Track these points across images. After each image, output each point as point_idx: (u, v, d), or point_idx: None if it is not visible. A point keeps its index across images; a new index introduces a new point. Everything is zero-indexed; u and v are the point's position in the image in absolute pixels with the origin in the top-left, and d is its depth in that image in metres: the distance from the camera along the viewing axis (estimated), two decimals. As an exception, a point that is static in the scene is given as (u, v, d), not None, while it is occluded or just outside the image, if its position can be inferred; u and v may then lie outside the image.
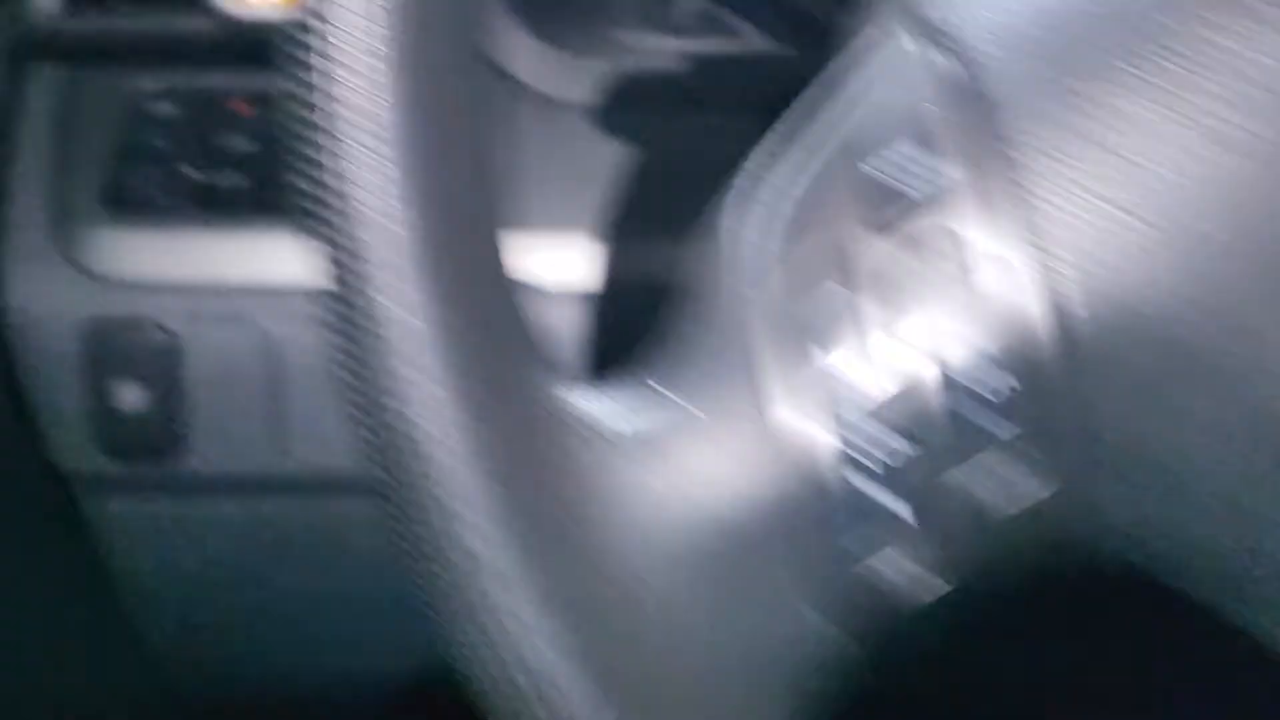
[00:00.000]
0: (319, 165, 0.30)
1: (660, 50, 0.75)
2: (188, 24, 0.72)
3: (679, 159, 0.69)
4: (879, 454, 0.30)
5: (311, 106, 0.30)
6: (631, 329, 0.44)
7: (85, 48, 0.72)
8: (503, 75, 0.71)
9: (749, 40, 0.75)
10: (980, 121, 0.31)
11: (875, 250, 0.31)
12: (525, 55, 0.71)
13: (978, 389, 0.30)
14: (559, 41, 0.74)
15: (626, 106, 0.71)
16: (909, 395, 0.30)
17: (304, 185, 0.30)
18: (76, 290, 0.67)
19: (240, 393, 0.67)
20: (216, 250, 0.67)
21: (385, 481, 0.29)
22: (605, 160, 0.69)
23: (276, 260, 0.67)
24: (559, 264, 0.66)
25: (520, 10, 0.72)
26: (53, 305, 0.67)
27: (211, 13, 0.69)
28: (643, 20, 0.77)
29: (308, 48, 0.29)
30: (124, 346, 0.67)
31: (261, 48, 0.72)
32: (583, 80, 0.71)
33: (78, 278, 0.67)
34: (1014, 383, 0.30)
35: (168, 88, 0.72)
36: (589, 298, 0.66)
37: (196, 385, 0.67)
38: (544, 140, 0.69)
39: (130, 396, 0.67)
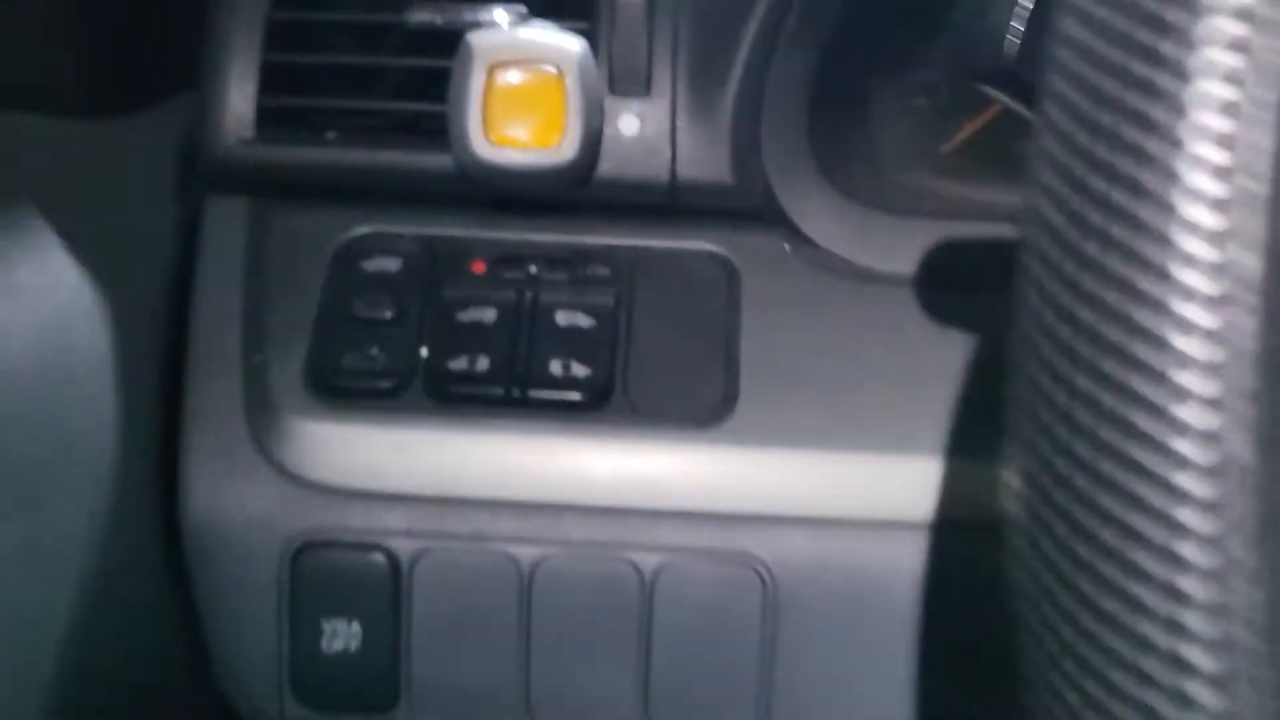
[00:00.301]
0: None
1: (942, 194, 0.62)
2: (416, 161, 0.59)
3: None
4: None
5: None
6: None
7: (283, 181, 0.59)
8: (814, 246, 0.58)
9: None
10: None
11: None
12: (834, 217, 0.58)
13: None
14: (850, 192, 0.61)
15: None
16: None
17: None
18: (275, 498, 0.53)
19: (476, 637, 0.53)
20: (453, 452, 0.54)
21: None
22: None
23: (538, 470, 0.53)
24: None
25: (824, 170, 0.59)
26: (244, 516, 0.53)
27: (450, 150, 0.56)
28: (916, 159, 0.64)
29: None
30: (333, 572, 0.53)
31: (506, 196, 0.59)
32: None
33: (277, 481, 0.53)
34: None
35: (389, 235, 0.59)
36: None
37: (421, 625, 0.53)
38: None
39: (338, 635, 0.53)
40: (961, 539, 0.53)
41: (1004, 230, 0.60)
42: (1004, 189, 0.63)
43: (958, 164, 0.64)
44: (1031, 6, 0.36)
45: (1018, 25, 0.36)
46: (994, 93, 0.40)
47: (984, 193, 0.62)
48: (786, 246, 0.59)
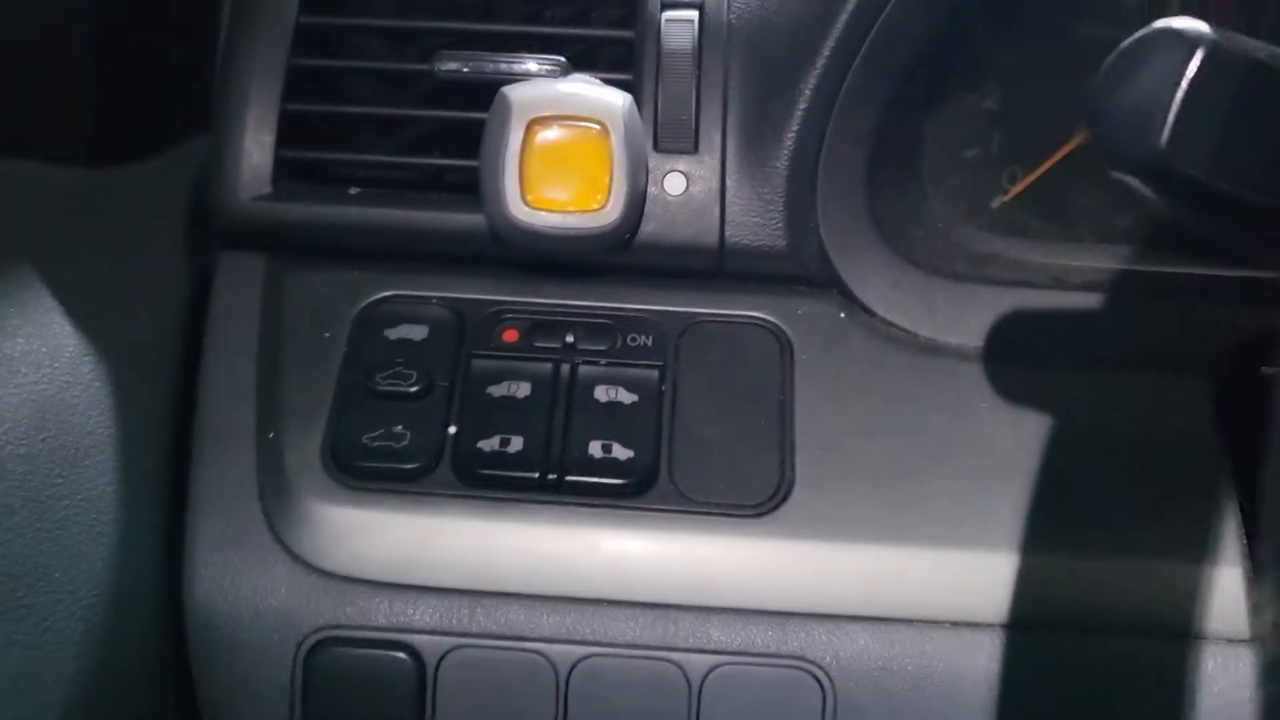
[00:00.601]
0: None
1: (1003, 256, 0.57)
2: (445, 221, 0.54)
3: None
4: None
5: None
6: None
7: (301, 239, 0.55)
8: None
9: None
10: None
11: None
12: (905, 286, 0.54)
13: None
14: (909, 256, 0.56)
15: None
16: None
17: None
18: (290, 589, 0.49)
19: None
20: (483, 541, 0.49)
21: None
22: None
23: (576, 561, 0.49)
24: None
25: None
26: (255, 608, 0.49)
27: (481, 209, 0.52)
28: (970, 215, 0.60)
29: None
30: (351, 672, 0.48)
31: (541, 260, 0.55)
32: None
33: (292, 571, 0.49)
34: None
35: (415, 298, 0.55)
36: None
37: (447, 731, 0.48)
38: None
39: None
40: (1036, 641, 0.49)
41: (1074, 299, 0.56)
42: (1066, 249, 0.58)
43: (1013, 219, 0.60)
44: (1184, 92, 0.32)
45: (1164, 113, 0.32)
46: (1136, 184, 0.37)
47: (1045, 254, 0.57)
48: (842, 315, 0.55)
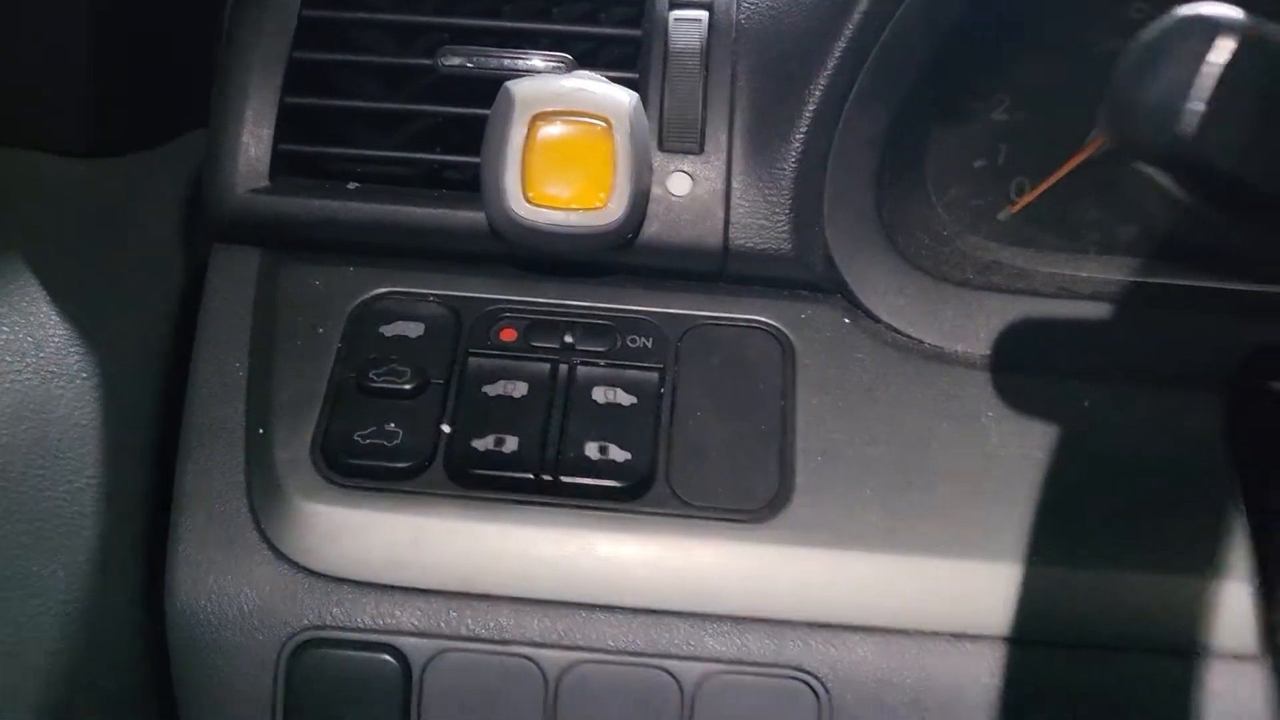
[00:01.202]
0: None
1: (1009, 264, 0.57)
2: (444, 217, 0.54)
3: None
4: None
5: None
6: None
7: (297, 233, 0.54)
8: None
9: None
10: None
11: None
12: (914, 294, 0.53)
13: None
14: (915, 262, 0.55)
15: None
16: None
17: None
18: (275, 588, 0.47)
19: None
20: (475, 543, 0.48)
21: None
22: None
23: (569, 565, 0.48)
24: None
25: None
26: (240, 607, 0.47)
27: (481, 206, 0.51)
28: (975, 225, 0.59)
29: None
30: (336, 673, 0.47)
31: (542, 257, 0.54)
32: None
33: (277, 570, 0.48)
34: None
35: (411, 295, 0.54)
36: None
37: (433, 737, 0.47)
38: None
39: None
40: (1039, 655, 0.48)
41: (1082, 309, 0.55)
42: (1071, 259, 0.58)
43: (1020, 229, 0.59)
44: (1210, 80, 0.31)
45: (1194, 105, 0.31)
46: (1155, 173, 0.36)
47: (1052, 263, 0.57)
48: (846, 320, 0.54)
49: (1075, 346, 0.54)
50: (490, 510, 0.48)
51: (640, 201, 0.51)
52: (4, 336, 0.45)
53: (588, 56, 0.54)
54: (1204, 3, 0.34)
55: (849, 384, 0.52)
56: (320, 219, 0.53)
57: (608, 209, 0.49)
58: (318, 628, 0.47)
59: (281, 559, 0.48)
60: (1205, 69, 0.32)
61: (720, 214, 0.53)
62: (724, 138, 0.53)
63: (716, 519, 0.48)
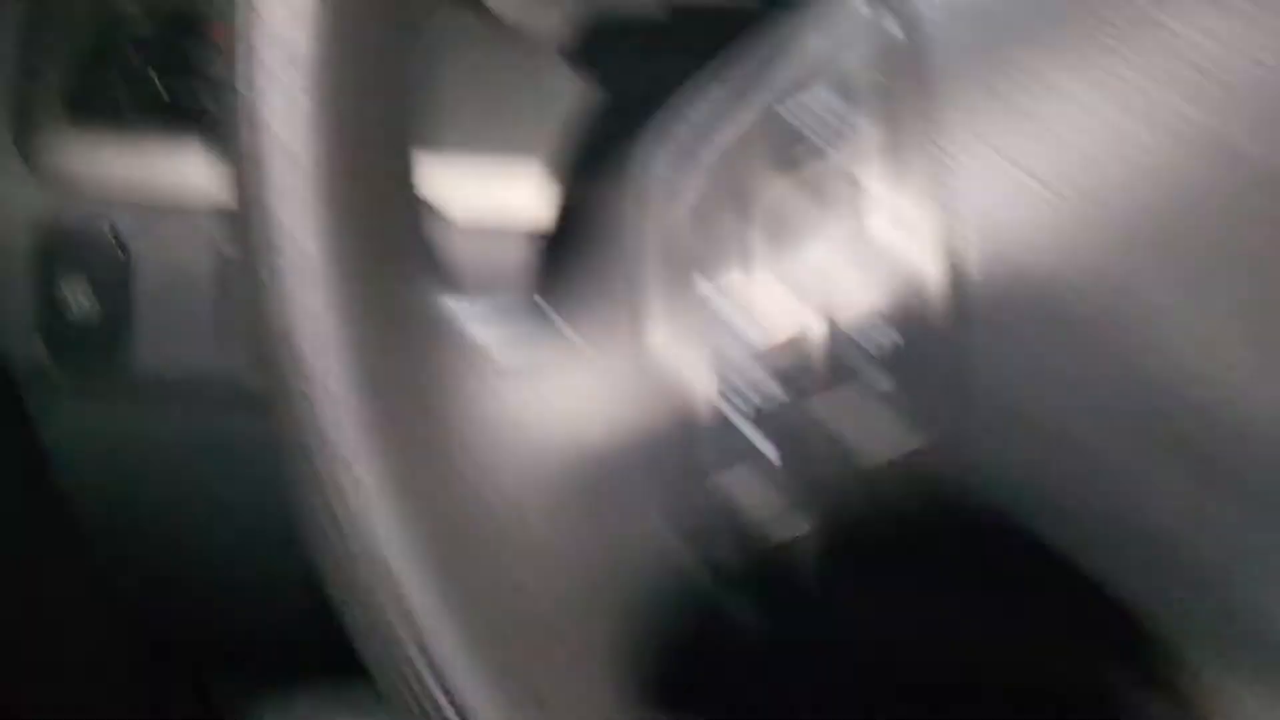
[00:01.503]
0: (231, 85, 0.30)
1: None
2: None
3: (641, 102, 0.69)
4: (753, 394, 0.30)
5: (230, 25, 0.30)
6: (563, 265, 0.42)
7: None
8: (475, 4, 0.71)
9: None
10: (906, 78, 0.31)
11: (774, 189, 0.31)
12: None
13: (859, 340, 0.31)
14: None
15: (598, 45, 0.70)
16: (790, 338, 0.31)
17: (216, 102, 0.30)
18: (32, 191, 0.68)
19: (188, 305, 0.67)
20: (176, 168, 0.68)
21: (269, 393, 0.29)
22: (567, 96, 0.68)
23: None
24: (507, 194, 0.67)
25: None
26: (6, 203, 0.68)
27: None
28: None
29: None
30: (75, 249, 0.67)
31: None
32: (553, 14, 0.71)
33: (34, 178, 0.68)
34: (897, 337, 0.31)
35: (147, 7, 0.72)
36: (532, 230, 0.67)
37: (145, 295, 0.67)
38: (509, 71, 0.69)
39: (78, 298, 0.67)
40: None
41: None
42: None
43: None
44: None
45: None
46: None
47: None
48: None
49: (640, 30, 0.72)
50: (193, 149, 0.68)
51: None
52: None
53: None
54: None
55: None
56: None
57: None
58: (58, 217, 0.67)
59: (37, 172, 0.68)
60: None
61: None
62: None
63: None
